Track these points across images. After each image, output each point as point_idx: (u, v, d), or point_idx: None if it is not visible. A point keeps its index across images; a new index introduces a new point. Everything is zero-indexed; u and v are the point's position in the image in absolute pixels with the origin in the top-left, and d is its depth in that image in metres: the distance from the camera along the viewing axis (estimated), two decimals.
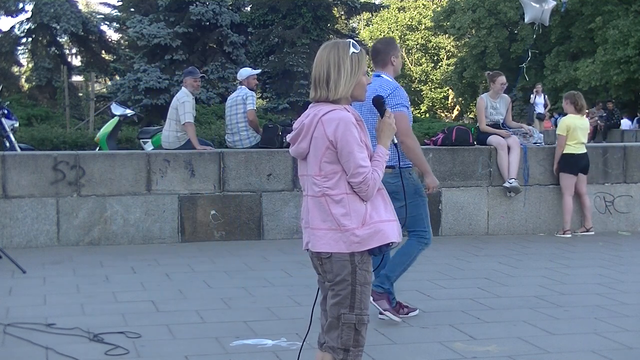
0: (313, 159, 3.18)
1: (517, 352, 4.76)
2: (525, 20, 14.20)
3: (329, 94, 3.18)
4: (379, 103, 3.43)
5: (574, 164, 9.24)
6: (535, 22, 13.74)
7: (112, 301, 5.94)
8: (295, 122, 3.31)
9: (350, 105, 3.29)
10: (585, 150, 9.33)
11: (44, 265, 7.25)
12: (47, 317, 5.37)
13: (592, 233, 9.36)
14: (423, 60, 50.40)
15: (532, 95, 23.78)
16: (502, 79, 9.52)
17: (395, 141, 3.38)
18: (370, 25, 52.44)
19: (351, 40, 3.24)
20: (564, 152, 9.29)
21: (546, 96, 23.70)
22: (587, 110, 10.62)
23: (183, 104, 9.14)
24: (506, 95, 9.71)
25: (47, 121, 19.72)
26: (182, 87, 9.41)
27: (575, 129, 9.19)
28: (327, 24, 27.04)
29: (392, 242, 3.21)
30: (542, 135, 10.26)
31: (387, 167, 5.27)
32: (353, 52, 3.19)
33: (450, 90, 45.48)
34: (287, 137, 3.34)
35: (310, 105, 3.28)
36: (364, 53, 3.27)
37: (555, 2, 13.37)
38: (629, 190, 9.78)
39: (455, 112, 46.40)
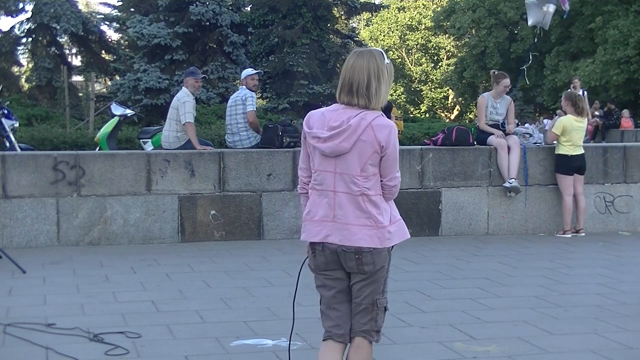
0: (356, 160, 3.32)
1: (517, 352, 4.76)
2: (529, 23, 14.15)
3: (369, 102, 3.32)
4: (387, 109, 3.56)
5: (569, 164, 9.24)
6: (537, 26, 13.71)
7: (112, 301, 5.94)
8: (332, 121, 3.33)
9: None
10: (581, 152, 9.31)
11: (44, 265, 7.25)
12: (47, 317, 5.37)
13: (583, 234, 9.34)
14: (423, 60, 50.42)
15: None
16: (507, 81, 9.52)
17: None
18: (370, 25, 52.44)
19: (382, 50, 3.41)
20: (560, 152, 9.30)
21: (586, 92, 20.89)
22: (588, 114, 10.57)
23: (184, 104, 9.14)
24: (508, 97, 9.70)
25: (47, 121, 19.77)
26: (183, 87, 9.41)
27: (572, 131, 9.19)
28: (327, 24, 27.04)
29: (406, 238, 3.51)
30: (542, 135, 10.26)
31: None
32: (387, 62, 3.37)
33: (450, 90, 45.50)
34: (319, 134, 3.34)
35: (341, 107, 3.35)
36: (392, 64, 3.43)
37: (555, 7, 13.32)
38: (629, 190, 9.78)
39: (455, 112, 46.39)
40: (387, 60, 3.36)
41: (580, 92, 20.31)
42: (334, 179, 3.36)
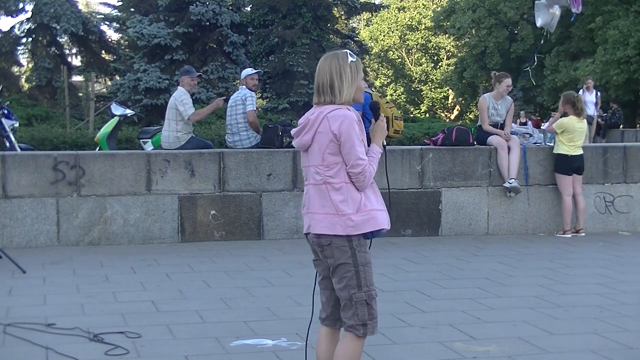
0: (317, 151, 3.53)
1: (517, 352, 4.76)
2: (537, 24, 14.09)
3: (333, 98, 3.54)
4: (375, 108, 3.79)
5: (568, 164, 9.25)
6: (545, 28, 13.67)
7: (112, 301, 5.94)
8: (300, 119, 3.65)
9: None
10: (580, 152, 9.32)
11: (44, 265, 7.25)
12: (47, 317, 5.37)
13: (583, 234, 9.33)
14: (423, 60, 50.38)
15: (580, 91, 18.76)
16: (508, 81, 9.50)
17: (385, 143, 3.74)
18: (370, 25, 52.42)
19: (347, 51, 3.63)
20: (559, 152, 9.30)
21: (599, 93, 19.66)
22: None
23: (182, 101, 9.16)
24: (509, 97, 9.69)
25: (47, 121, 19.75)
26: (179, 87, 9.43)
27: (574, 132, 9.20)
28: (327, 24, 27.03)
29: (383, 228, 3.55)
30: (542, 135, 10.26)
31: None
32: (351, 60, 3.56)
33: (450, 90, 45.46)
34: (292, 133, 3.68)
35: (314, 107, 3.62)
36: (360, 61, 3.62)
37: (561, 10, 13.28)
38: (629, 190, 9.78)
39: (455, 112, 46.37)
40: (351, 59, 3.55)
41: (594, 93, 19.82)
42: (308, 172, 3.62)
